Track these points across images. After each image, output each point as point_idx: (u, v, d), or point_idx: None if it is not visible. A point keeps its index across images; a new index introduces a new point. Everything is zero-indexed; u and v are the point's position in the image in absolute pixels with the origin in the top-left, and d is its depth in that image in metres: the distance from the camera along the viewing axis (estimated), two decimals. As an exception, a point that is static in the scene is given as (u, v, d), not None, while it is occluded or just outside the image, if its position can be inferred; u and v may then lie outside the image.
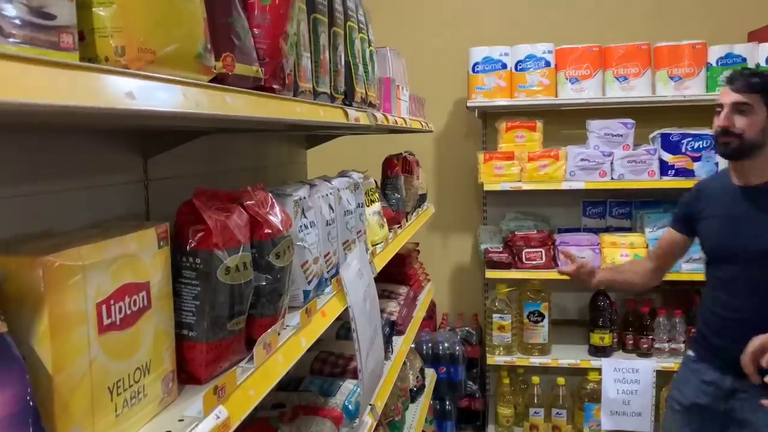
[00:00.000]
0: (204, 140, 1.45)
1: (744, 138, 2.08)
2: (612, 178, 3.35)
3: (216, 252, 0.93)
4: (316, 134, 2.56)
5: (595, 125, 3.41)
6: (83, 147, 1.15)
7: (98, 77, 0.63)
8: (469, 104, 3.51)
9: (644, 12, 3.79)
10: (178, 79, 0.76)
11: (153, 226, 0.84)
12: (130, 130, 1.29)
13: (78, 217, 1.10)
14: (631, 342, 3.44)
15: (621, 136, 3.41)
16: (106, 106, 0.63)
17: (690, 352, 2.30)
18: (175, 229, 0.93)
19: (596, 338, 3.43)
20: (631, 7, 3.81)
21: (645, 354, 3.38)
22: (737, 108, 2.09)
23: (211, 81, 0.87)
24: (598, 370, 3.35)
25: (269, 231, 1.07)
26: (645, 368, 3.30)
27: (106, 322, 0.73)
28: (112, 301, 0.74)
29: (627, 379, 3.32)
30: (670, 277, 2.82)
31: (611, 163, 3.38)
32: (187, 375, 0.94)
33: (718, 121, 2.13)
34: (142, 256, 0.81)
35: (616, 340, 3.47)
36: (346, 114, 1.52)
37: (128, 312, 0.77)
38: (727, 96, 2.12)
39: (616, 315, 3.50)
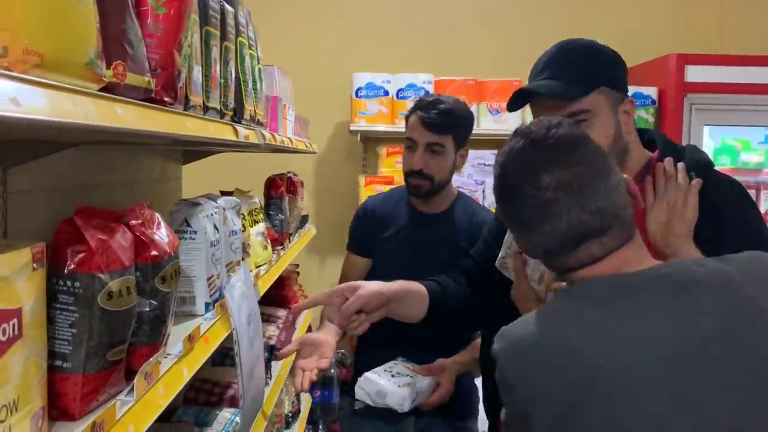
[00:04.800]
0: (72, 151, 1.33)
1: (434, 181, 2.02)
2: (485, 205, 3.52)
3: (98, 275, 0.85)
4: (193, 149, 2.46)
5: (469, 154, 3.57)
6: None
7: (-22, 79, 0.56)
8: (351, 128, 3.55)
9: (517, 52, 4.05)
10: (68, 86, 0.69)
11: (28, 246, 0.76)
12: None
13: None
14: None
15: (492, 165, 3.60)
16: (-12, 112, 0.56)
17: None
18: (51, 249, 0.85)
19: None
20: (504, 46, 4.05)
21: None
22: (431, 148, 2.00)
23: (99, 90, 0.81)
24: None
25: (156, 253, 1.00)
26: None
27: (-31, 354, 0.64)
28: (-23, 331, 0.65)
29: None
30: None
31: (483, 190, 3.55)
32: (57, 410, 0.85)
33: (412, 163, 2.01)
34: (14, 279, 0.73)
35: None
36: (236, 131, 1.47)
37: (-4, 343, 0.68)
38: (421, 135, 2.01)
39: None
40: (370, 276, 2.16)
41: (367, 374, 1.73)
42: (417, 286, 1.60)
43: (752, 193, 3.71)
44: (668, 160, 1.33)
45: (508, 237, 1.47)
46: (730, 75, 3.47)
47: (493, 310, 1.60)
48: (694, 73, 3.49)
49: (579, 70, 1.34)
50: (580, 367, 0.97)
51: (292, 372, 1.73)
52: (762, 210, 3.75)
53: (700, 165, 1.36)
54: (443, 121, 1.99)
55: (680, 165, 1.32)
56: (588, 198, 1.03)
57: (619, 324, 1.00)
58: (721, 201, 1.34)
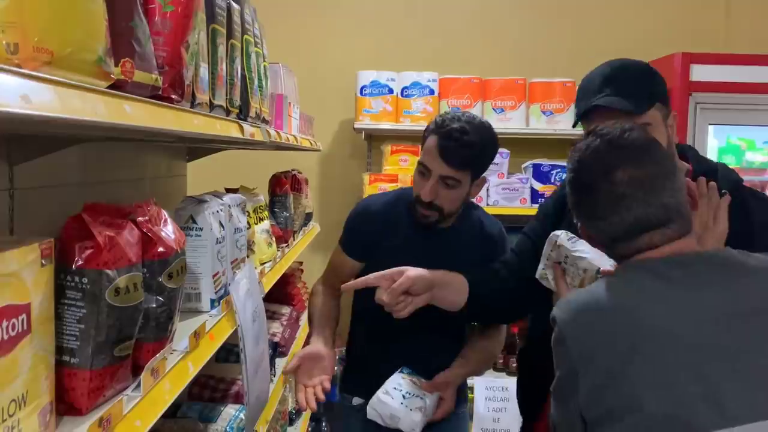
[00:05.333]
0: (78, 148, 1.34)
1: (444, 212, 1.85)
2: (487, 204, 3.51)
3: (105, 271, 0.86)
4: (198, 146, 2.46)
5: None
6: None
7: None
8: (356, 126, 3.55)
9: (521, 50, 4.04)
10: (77, 84, 0.70)
11: (36, 242, 0.76)
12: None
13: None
14: (501, 361, 3.60)
15: (496, 164, 3.59)
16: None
17: None
18: (59, 245, 0.85)
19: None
20: (509, 45, 4.05)
21: (514, 373, 3.55)
22: (444, 181, 1.79)
23: (107, 87, 0.81)
24: (471, 388, 3.47)
25: (162, 249, 1.01)
26: (514, 387, 3.46)
27: (-21, 349, 0.65)
28: (-13, 326, 0.66)
29: (497, 397, 3.47)
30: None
31: (487, 189, 3.55)
32: (65, 405, 0.86)
33: (423, 193, 1.80)
34: (23, 274, 0.73)
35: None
36: (242, 129, 1.48)
37: (5, 337, 0.69)
38: (438, 166, 1.77)
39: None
40: None
41: (380, 396, 1.72)
42: (458, 275, 1.67)
43: (757, 192, 3.70)
44: (701, 180, 1.42)
45: (546, 249, 1.50)
46: (735, 74, 3.46)
47: (532, 304, 1.66)
48: (699, 73, 3.48)
49: (640, 87, 1.46)
50: (633, 326, 1.10)
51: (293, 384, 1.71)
52: None
53: (732, 183, 1.50)
54: (464, 157, 1.75)
55: (712, 184, 1.41)
56: (656, 194, 1.17)
57: (671, 289, 1.13)
58: (755, 215, 1.47)
